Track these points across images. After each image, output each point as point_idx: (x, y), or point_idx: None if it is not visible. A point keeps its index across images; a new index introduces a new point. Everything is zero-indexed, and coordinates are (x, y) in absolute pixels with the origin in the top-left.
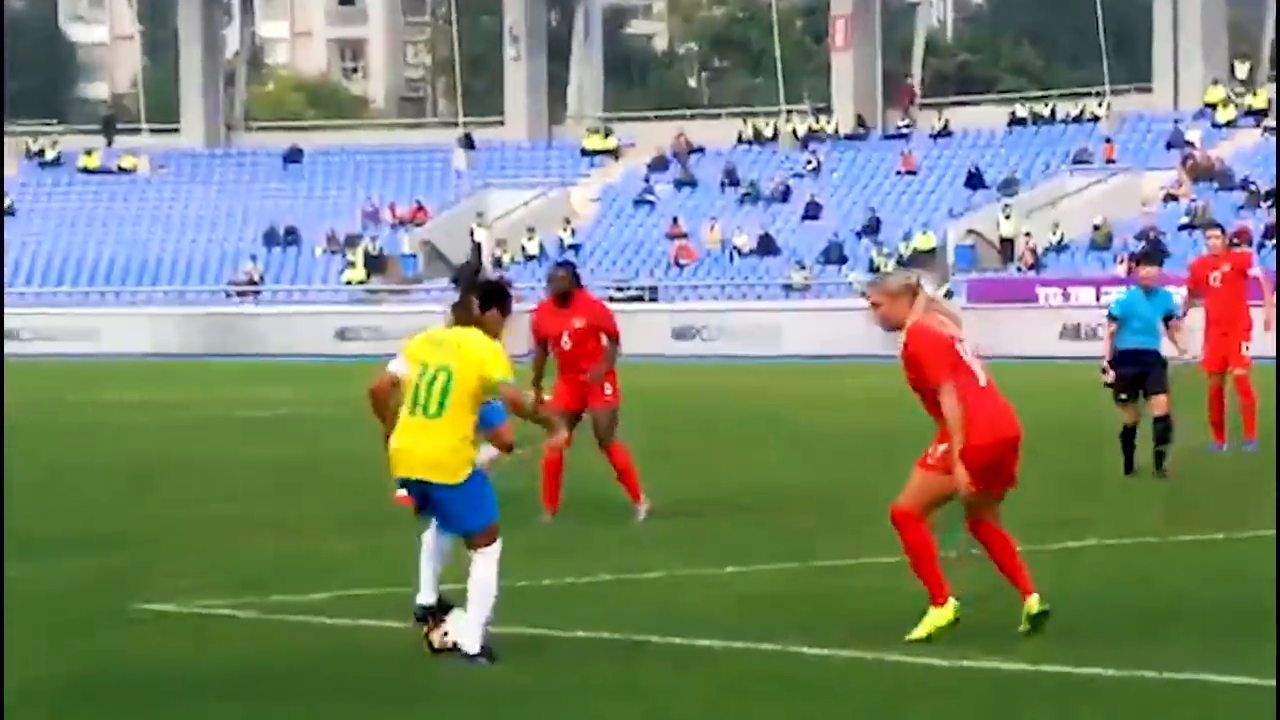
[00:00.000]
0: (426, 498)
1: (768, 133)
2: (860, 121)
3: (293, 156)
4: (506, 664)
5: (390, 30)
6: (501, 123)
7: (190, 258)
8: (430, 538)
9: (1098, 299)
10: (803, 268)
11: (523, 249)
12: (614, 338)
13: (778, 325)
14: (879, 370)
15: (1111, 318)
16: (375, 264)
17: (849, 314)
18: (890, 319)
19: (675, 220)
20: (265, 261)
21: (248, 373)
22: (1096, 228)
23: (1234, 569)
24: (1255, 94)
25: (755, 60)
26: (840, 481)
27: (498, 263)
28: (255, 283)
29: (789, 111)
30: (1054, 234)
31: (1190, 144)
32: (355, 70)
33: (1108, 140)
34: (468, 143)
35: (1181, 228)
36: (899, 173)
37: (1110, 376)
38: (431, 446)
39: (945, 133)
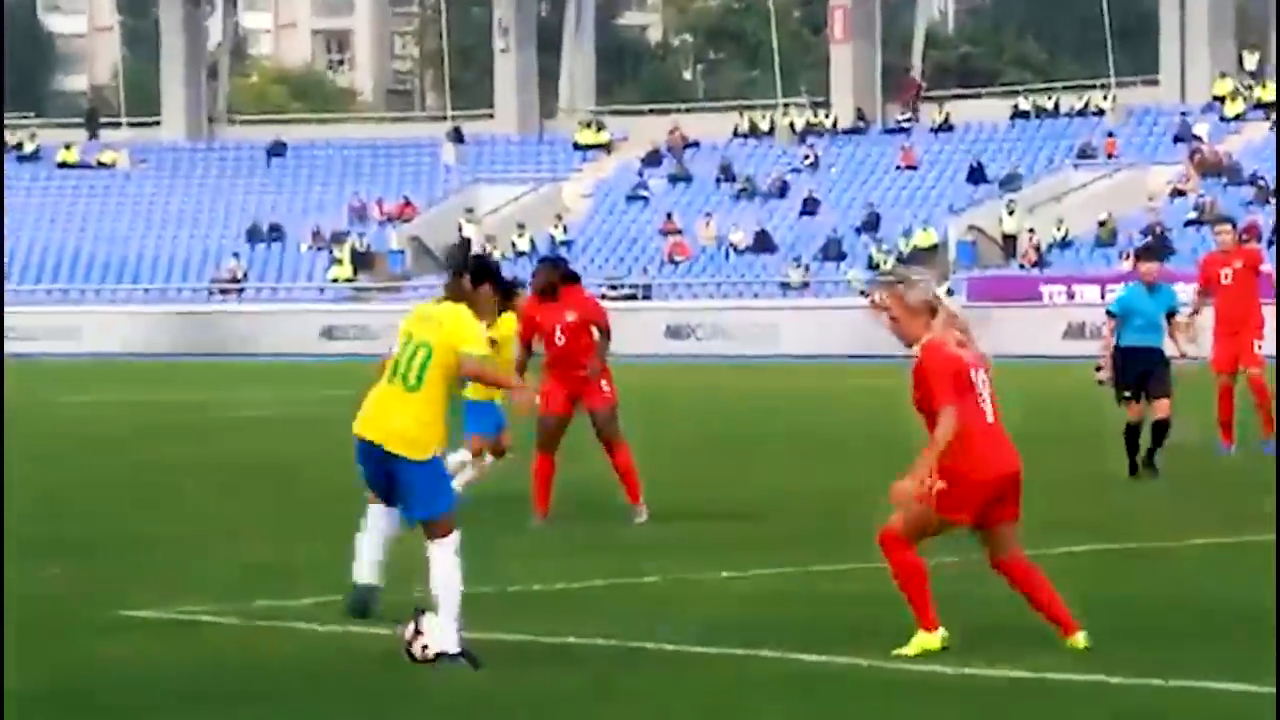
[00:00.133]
0: (388, 477)
1: (764, 126)
2: (859, 115)
3: (277, 150)
4: (497, 671)
5: (377, 21)
6: (491, 116)
7: (172, 255)
8: (377, 516)
9: (1103, 297)
10: (799, 265)
11: (513, 245)
12: (606, 332)
13: (775, 324)
14: (879, 371)
15: (1111, 315)
16: (362, 261)
17: (848, 313)
18: (906, 335)
19: (669, 216)
20: (249, 259)
21: (231, 373)
22: (1101, 224)
23: (1244, 573)
24: (1264, 86)
25: (752, 52)
26: (839, 484)
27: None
28: (238, 280)
29: (786, 105)
30: (1058, 230)
31: (1198, 138)
32: (341, 62)
33: (1110, 135)
34: (457, 137)
35: (1188, 223)
36: (899, 168)
37: (1104, 375)
38: (404, 418)
39: (946, 127)
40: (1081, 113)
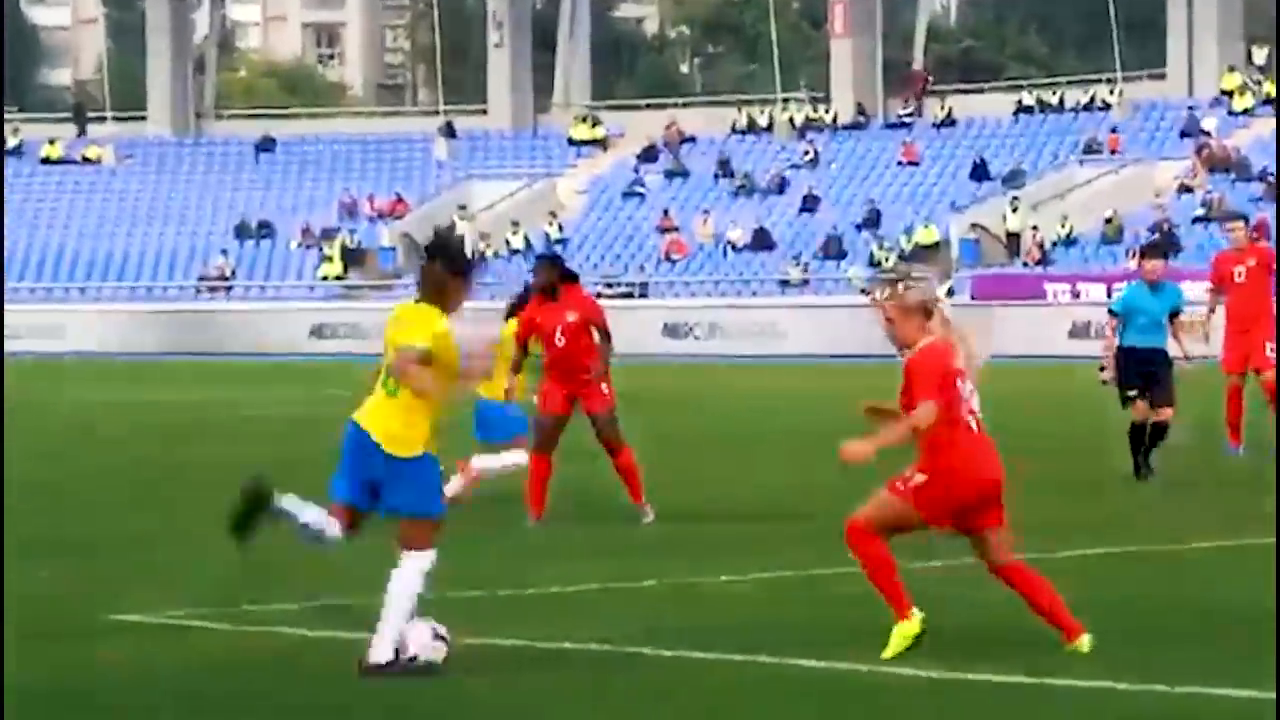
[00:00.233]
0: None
1: (763, 122)
2: (860, 110)
3: (266, 146)
4: (490, 676)
5: (368, 14)
6: (484, 111)
7: (158, 252)
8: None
9: (1108, 295)
10: (798, 262)
11: (507, 243)
12: (606, 333)
13: (774, 323)
14: (879, 371)
15: (1113, 314)
16: (352, 258)
17: (848, 311)
18: (900, 337)
19: (666, 213)
20: (237, 256)
21: (218, 372)
22: (1107, 221)
23: (1251, 577)
24: (1273, 81)
25: (750, 46)
26: (839, 486)
27: (480, 257)
28: (226, 278)
29: (785, 99)
30: (1062, 227)
31: (1205, 133)
32: (331, 56)
33: (1113, 130)
34: (449, 132)
35: (1196, 220)
36: (900, 164)
37: (1108, 375)
38: (388, 421)
39: (949, 122)
40: (1087, 107)
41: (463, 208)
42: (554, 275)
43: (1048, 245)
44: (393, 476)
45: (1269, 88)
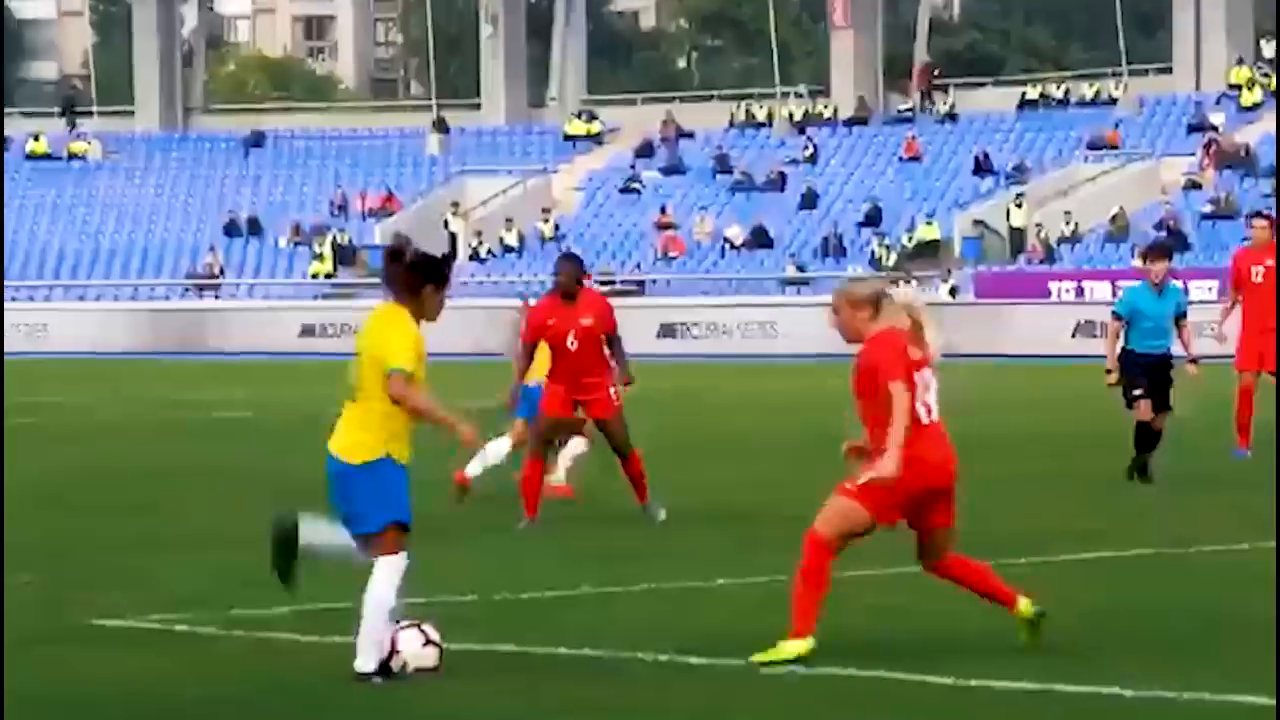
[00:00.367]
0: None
1: (762, 117)
2: (861, 105)
3: (255, 141)
4: (482, 683)
5: (359, 7)
6: (478, 106)
7: (145, 250)
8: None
9: (1114, 294)
10: (794, 259)
11: (500, 240)
12: (617, 338)
13: (773, 322)
14: None
15: (1116, 316)
16: (343, 256)
17: None
18: (847, 329)
19: (663, 210)
20: (225, 254)
21: (206, 372)
22: (1113, 218)
23: (1257, 581)
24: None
25: (749, 39)
26: None
27: (474, 255)
28: (215, 277)
29: (785, 94)
30: (1067, 224)
31: (1213, 128)
32: (322, 49)
33: (1115, 125)
34: (442, 127)
35: (1204, 217)
36: (902, 159)
37: (1115, 378)
38: (345, 427)
39: (951, 117)
40: (1092, 102)
41: (455, 204)
42: (579, 277)
43: (1052, 242)
44: (346, 488)
45: (1275, 82)
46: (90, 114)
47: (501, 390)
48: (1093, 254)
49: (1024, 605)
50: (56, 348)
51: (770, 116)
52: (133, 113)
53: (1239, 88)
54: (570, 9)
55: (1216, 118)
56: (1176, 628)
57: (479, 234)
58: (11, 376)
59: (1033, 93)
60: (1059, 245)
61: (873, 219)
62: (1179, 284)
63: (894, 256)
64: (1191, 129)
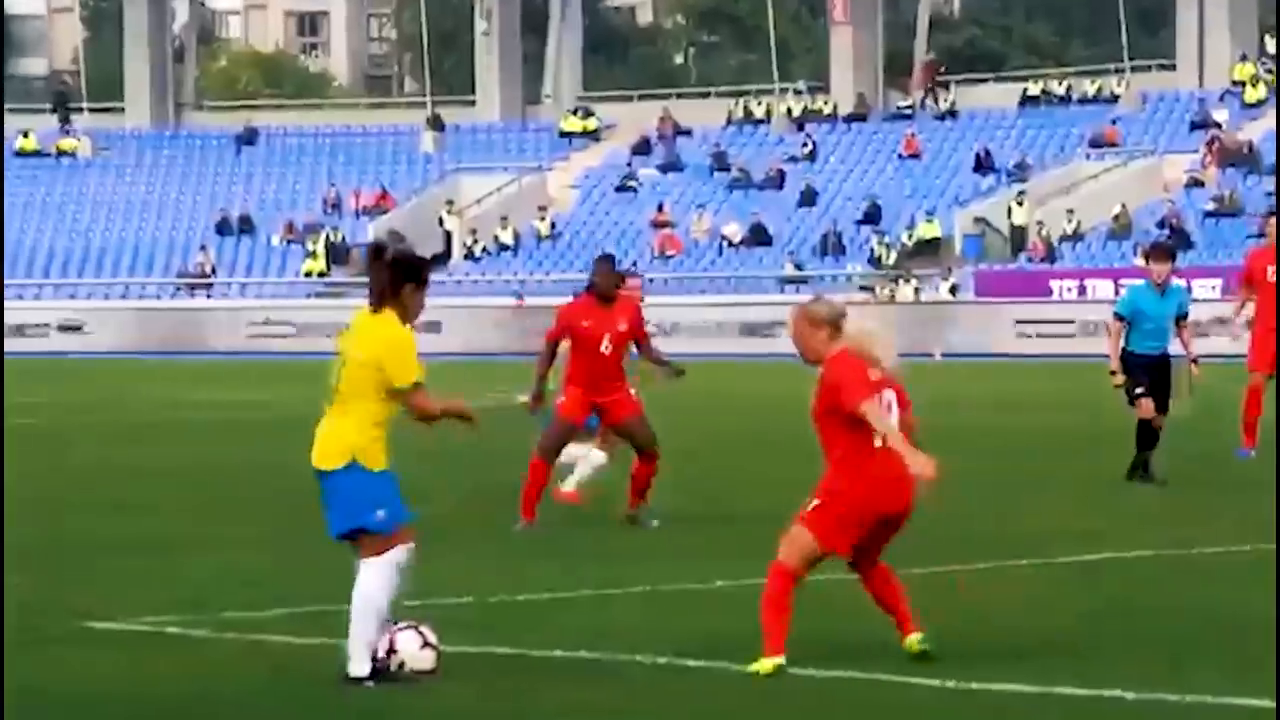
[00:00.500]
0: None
1: (760, 114)
2: (860, 101)
3: (247, 138)
4: (478, 686)
5: (352, 2)
6: (473, 103)
7: (136, 248)
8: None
9: (1116, 293)
10: (792, 258)
11: (496, 239)
12: (648, 337)
13: (771, 322)
14: None
15: (1118, 317)
16: (337, 254)
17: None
18: (806, 349)
19: (660, 208)
20: (217, 252)
21: (198, 372)
22: (1115, 216)
23: (1258, 583)
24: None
25: (747, 35)
26: None
27: (469, 253)
28: (206, 275)
29: (783, 90)
30: (1069, 222)
31: (1217, 125)
32: (315, 45)
33: (1113, 122)
34: (436, 124)
35: (1207, 215)
36: (901, 157)
37: (1119, 379)
38: (324, 430)
39: (952, 113)
40: (1094, 99)
41: (450, 202)
42: (618, 281)
43: (1054, 241)
44: (325, 496)
45: (1276, 79)
46: (81, 110)
47: (521, 388)
48: (1094, 252)
49: (914, 640)
50: (45, 348)
51: (769, 113)
52: (123, 109)
53: (1242, 84)
54: (566, 5)
55: (1220, 115)
56: (1177, 630)
57: (474, 232)
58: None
59: (1034, 89)
60: (1060, 243)
61: (872, 217)
62: (1182, 283)
63: (894, 255)
64: (1194, 126)
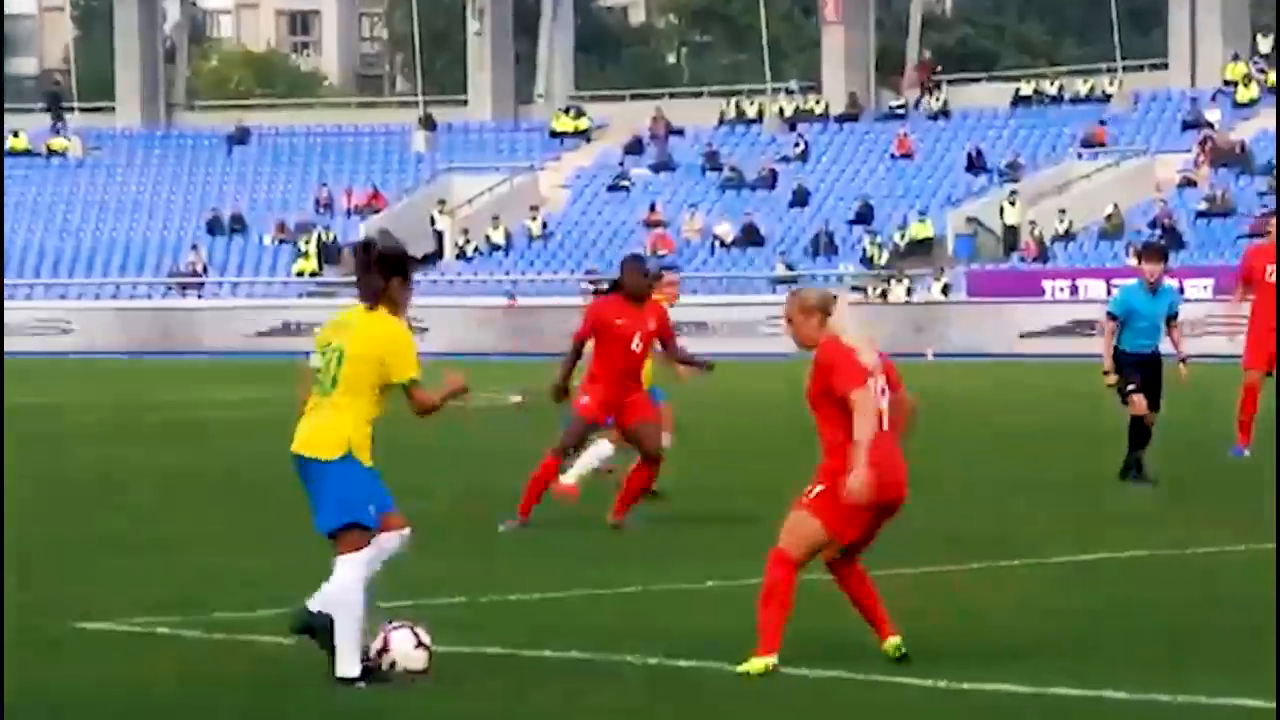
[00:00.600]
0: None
1: (752, 113)
2: (852, 101)
3: (239, 138)
4: (469, 686)
5: (344, 2)
6: (465, 102)
7: (127, 248)
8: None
9: (1108, 292)
10: (784, 258)
11: (487, 238)
12: (675, 337)
13: (763, 321)
14: None
15: (1111, 316)
16: (328, 254)
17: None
18: (801, 337)
19: (652, 207)
20: (209, 252)
21: (189, 371)
22: (1107, 216)
23: (1257, 583)
24: (1275, 71)
25: (739, 35)
26: None
27: (461, 253)
28: (198, 275)
29: (775, 90)
30: (1061, 222)
31: (1209, 125)
32: (306, 45)
33: (1102, 123)
34: (428, 124)
35: (1199, 215)
36: (894, 156)
37: (1112, 379)
38: (315, 421)
39: (944, 113)
40: (1086, 99)
41: (442, 202)
42: (651, 281)
43: (1046, 240)
44: (313, 489)
45: (1274, 78)
46: (71, 110)
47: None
48: (1087, 252)
49: (892, 644)
50: (37, 348)
51: (761, 113)
52: (114, 109)
53: (1235, 84)
54: (558, 4)
55: (1212, 114)
56: (1173, 630)
57: (466, 232)
58: None
59: (1026, 89)
60: (1053, 243)
61: (864, 217)
62: (1174, 284)
63: (886, 255)
64: (1187, 126)
